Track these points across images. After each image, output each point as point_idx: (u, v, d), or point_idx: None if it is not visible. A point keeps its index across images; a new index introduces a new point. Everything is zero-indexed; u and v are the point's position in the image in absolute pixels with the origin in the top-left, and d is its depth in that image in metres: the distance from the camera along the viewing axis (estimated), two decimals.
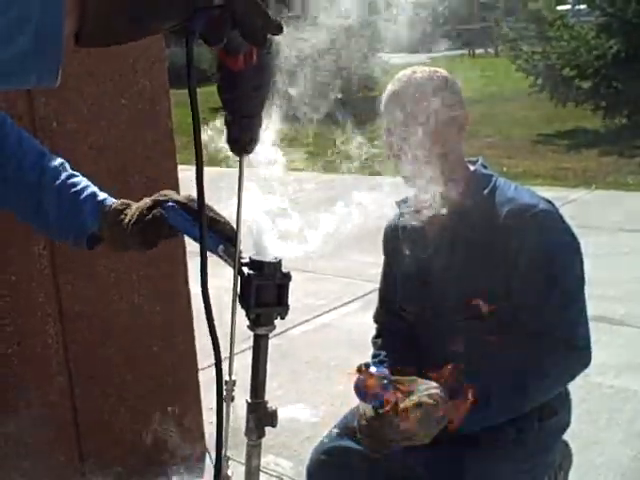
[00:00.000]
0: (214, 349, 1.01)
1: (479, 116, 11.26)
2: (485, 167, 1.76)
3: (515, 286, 1.58)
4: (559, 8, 13.79)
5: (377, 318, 2.00)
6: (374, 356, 1.88)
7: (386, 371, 1.51)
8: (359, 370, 1.50)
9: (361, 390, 1.50)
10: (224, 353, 1.07)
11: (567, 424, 1.81)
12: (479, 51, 22.76)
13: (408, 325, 1.87)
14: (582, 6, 12.52)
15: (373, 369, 1.50)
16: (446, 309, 1.71)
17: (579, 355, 1.62)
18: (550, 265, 1.59)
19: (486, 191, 1.68)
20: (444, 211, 1.61)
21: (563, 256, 1.63)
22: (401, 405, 1.47)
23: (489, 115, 11.64)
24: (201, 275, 0.95)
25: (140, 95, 2.39)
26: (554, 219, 1.64)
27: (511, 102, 12.54)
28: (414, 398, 1.48)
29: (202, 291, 0.96)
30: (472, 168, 1.75)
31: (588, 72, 10.60)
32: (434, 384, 1.52)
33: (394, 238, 1.87)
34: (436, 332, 1.75)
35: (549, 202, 1.68)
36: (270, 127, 1.06)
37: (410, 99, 1.61)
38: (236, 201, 1.08)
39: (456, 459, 1.60)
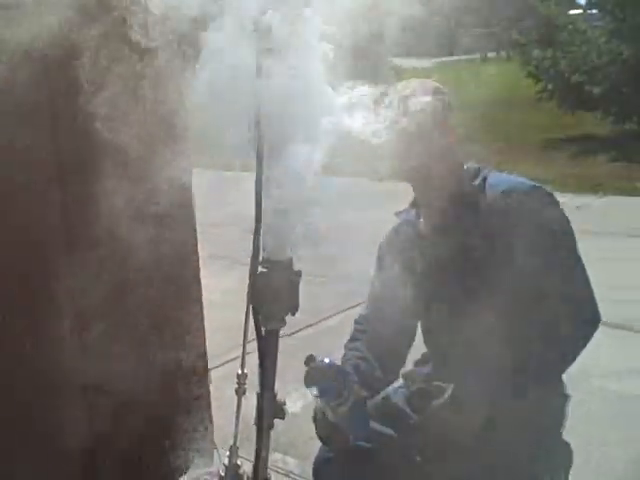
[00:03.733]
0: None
1: (487, 121, 11.30)
2: (478, 164, 1.84)
3: (521, 263, 1.61)
4: (571, 12, 13.78)
5: (361, 323, 2.03)
6: (346, 358, 1.92)
7: (333, 362, 1.57)
8: (306, 363, 1.56)
9: (309, 382, 1.56)
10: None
11: (564, 422, 1.85)
12: (491, 55, 22.77)
13: (399, 332, 1.91)
14: (594, 10, 12.53)
15: (325, 360, 1.55)
16: (456, 305, 1.74)
17: (594, 322, 1.69)
18: (553, 237, 1.64)
19: (477, 181, 1.77)
20: (442, 209, 1.74)
21: (562, 227, 1.69)
22: (438, 402, 1.55)
23: (499, 120, 11.66)
24: None
25: (157, 102, 2.45)
26: (545, 194, 1.72)
27: (521, 107, 12.55)
28: (446, 394, 1.58)
29: None
30: (465, 166, 1.83)
31: (598, 77, 10.62)
32: (470, 385, 1.58)
33: (392, 245, 1.93)
34: (450, 330, 1.77)
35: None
36: None
37: (406, 113, 1.69)
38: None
39: (457, 455, 1.66)
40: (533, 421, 1.69)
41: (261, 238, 1.25)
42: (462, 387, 1.59)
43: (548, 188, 1.76)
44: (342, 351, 1.95)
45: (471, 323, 1.67)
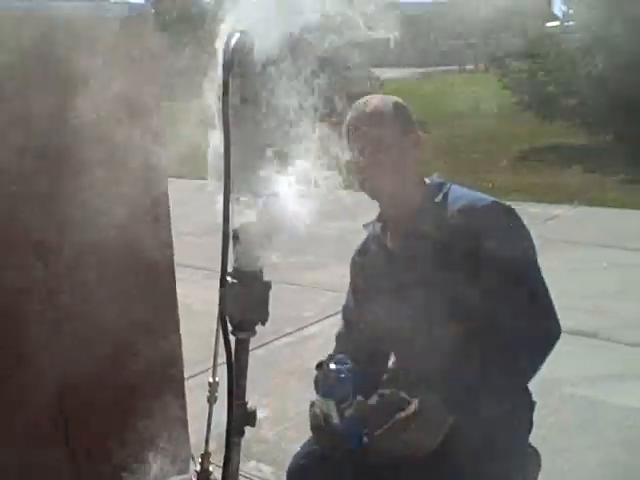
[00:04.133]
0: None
1: (465, 132, 11.42)
2: (441, 179, 1.87)
3: (481, 276, 1.65)
4: (549, 25, 13.97)
5: (339, 339, 2.06)
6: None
7: (343, 369, 1.60)
8: (317, 366, 1.60)
9: (321, 385, 1.60)
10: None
11: (530, 427, 1.90)
12: (469, 67, 23.00)
13: (372, 346, 1.93)
14: (571, 22, 12.72)
15: (333, 365, 1.60)
16: (419, 320, 1.75)
17: (555, 334, 1.70)
18: (508, 249, 1.67)
19: (438, 198, 1.79)
20: (405, 223, 1.76)
21: (518, 240, 1.72)
22: (402, 415, 1.58)
23: (475, 131, 11.80)
24: None
25: (132, 110, 2.48)
26: (503, 207, 1.75)
27: (498, 118, 12.71)
28: (412, 407, 1.59)
29: None
30: (427, 181, 1.86)
31: (573, 89, 10.80)
32: (432, 395, 1.60)
33: (361, 259, 1.97)
34: (410, 335, 1.79)
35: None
36: None
37: (363, 129, 1.74)
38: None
39: (425, 462, 1.70)
40: (498, 429, 1.73)
41: (230, 249, 1.28)
42: (426, 400, 1.61)
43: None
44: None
45: (434, 337, 1.71)
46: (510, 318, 1.63)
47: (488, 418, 1.66)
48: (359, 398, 1.64)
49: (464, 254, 1.67)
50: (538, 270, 1.73)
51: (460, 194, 1.79)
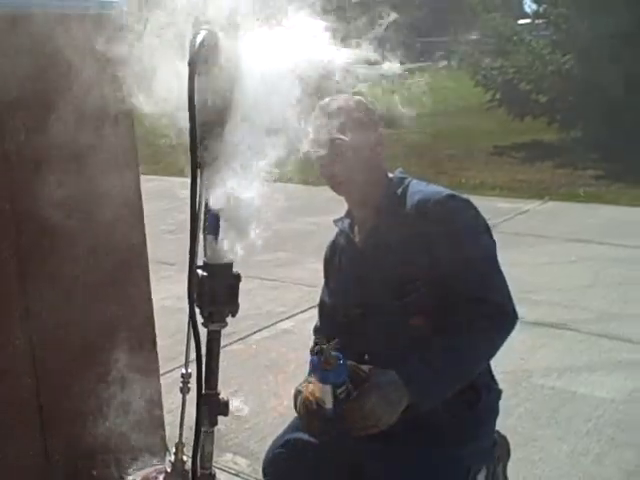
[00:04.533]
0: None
1: (439, 129, 11.50)
2: (403, 174, 1.93)
3: (439, 266, 1.71)
4: (520, 22, 14.11)
5: (317, 332, 2.14)
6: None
7: (341, 355, 1.65)
8: (317, 352, 1.64)
9: (320, 369, 1.64)
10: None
11: (496, 412, 1.95)
12: (442, 64, 23.16)
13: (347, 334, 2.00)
14: (540, 21, 12.87)
15: (334, 352, 1.64)
16: (382, 303, 1.83)
17: (511, 319, 1.76)
18: (462, 239, 1.73)
19: (399, 191, 1.86)
20: (368, 218, 1.82)
21: (471, 229, 1.78)
22: (361, 389, 1.63)
23: (449, 128, 11.90)
24: None
25: (104, 106, 2.49)
26: (458, 199, 1.80)
27: (470, 115, 12.83)
28: (369, 383, 1.65)
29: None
30: (390, 176, 1.92)
31: (544, 86, 10.93)
32: (389, 370, 1.67)
33: (332, 254, 2.04)
34: (376, 325, 1.86)
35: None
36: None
37: (328, 127, 1.77)
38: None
39: (394, 447, 1.75)
40: (460, 410, 1.80)
41: (199, 243, 1.31)
42: (383, 375, 1.67)
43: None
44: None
45: (394, 323, 1.79)
46: (465, 302, 1.69)
47: (451, 400, 1.73)
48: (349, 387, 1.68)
49: (421, 245, 1.74)
50: (493, 257, 1.79)
51: (418, 189, 1.85)
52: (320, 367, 1.65)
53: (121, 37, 2.36)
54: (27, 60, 2.26)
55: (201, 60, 1.04)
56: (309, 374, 1.85)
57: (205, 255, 1.35)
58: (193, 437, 1.36)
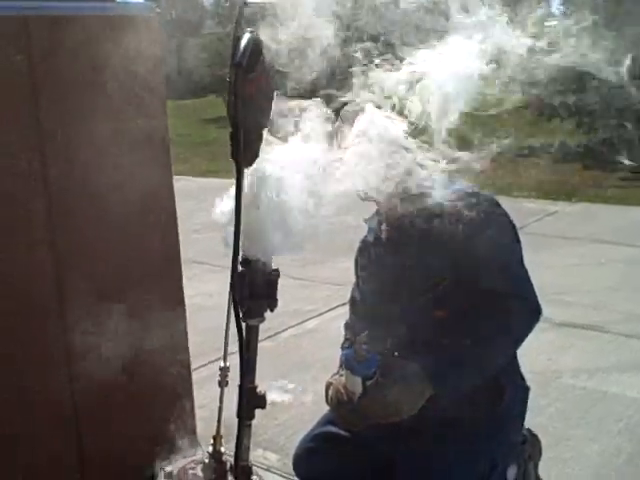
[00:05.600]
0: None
1: (464, 130, 11.43)
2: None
3: (464, 261, 1.74)
4: (547, 24, 13.96)
5: (347, 327, 2.16)
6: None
7: (370, 348, 1.68)
8: (348, 346, 1.67)
9: (351, 361, 1.67)
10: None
11: (523, 409, 1.96)
12: None
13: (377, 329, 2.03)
14: (569, 20, 12.70)
15: (364, 345, 1.67)
16: (409, 298, 1.86)
17: (535, 313, 1.79)
18: (486, 234, 1.75)
19: (425, 190, 1.84)
20: (395, 215, 1.86)
21: (496, 225, 1.80)
22: (381, 380, 1.66)
23: (475, 129, 11.81)
24: None
25: (139, 107, 2.54)
26: (482, 196, 1.82)
27: (497, 116, 12.74)
28: (392, 374, 1.68)
29: None
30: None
31: (572, 87, 10.82)
32: (413, 362, 1.69)
33: (363, 252, 2.07)
34: (404, 321, 1.87)
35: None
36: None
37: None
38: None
39: (421, 440, 1.78)
40: (487, 408, 1.83)
41: (241, 239, 1.34)
42: (407, 367, 1.71)
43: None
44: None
45: (420, 317, 1.82)
46: (490, 296, 1.72)
47: (476, 395, 1.76)
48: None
49: (446, 241, 1.76)
50: (518, 252, 1.82)
51: (445, 185, 1.86)
52: (351, 360, 1.68)
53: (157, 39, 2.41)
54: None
55: (246, 62, 1.06)
56: (340, 367, 1.88)
57: (244, 250, 1.38)
58: (222, 429, 1.40)
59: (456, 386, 1.73)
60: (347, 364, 1.70)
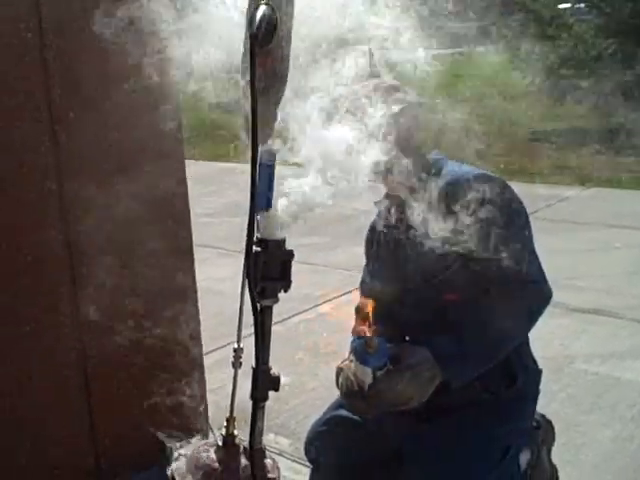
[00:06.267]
0: None
1: (476, 114, 11.37)
2: (439, 155, 1.93)
3: (472, 244, 1.69)
4: (560, 6, 13.82)
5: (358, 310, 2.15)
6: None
7: (382, 338, 1.67)
8: (359, 336, 1.66)
9: (362, 353, 1.66)
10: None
11: (535, 393, 1.95)
12: (479, 48, 22.82)
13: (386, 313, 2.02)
14: (581, 5, 12.60)
15: (374, 337, 1.66)
16: (418, 282, 1.85)
17: (545, 296, 1.79)
18: (495, 217, 1.71)
19: (434, 171, 1.86)
20: (404, 198, 1.80)
21: (504, 207, 1.75)
22: (392, 369, 1.64)
23: (486, 113, 11.74)
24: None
25: (151, 91, 2.51)
26: (491, 178, 1.79)
27: (509, 100, 12.64)
28: (402, 362, 1.67)
29: None
30: (427, 157, 1.91)
31: (585, 71, 10.72)
32: (422, 348, 1.68)
33: (372, 235, 2.06)
34: (414, 305, 1.88)
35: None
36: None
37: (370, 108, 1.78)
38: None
39: (432, 425, 1.79)
40: (498, 392, 1.82)
41: (256, 219, 1.32)
42: (417, 354, 1.70)
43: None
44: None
45: (429, 301, 1.81)
46: (500, 280, 1.70)
47: (487, 379, 1.75)
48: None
49: (454, 224, 1.71)
50: (527, 235, 1.79)
51: (452, 168, 1.86)
52: (361, 351, 1.67)
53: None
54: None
55: (261, 34, 1.04)
56: (351, 353, 1.87)
57: (259, 231, 1.37)
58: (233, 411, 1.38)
59: (466, 371, 1.71)
60: (358, 356, 1.69)
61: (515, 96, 12.71)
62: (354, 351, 1.73)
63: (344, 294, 4.60)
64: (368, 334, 1.64)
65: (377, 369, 1.68)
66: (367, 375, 1.68)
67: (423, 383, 1.67)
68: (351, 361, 1.81)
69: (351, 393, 1.77)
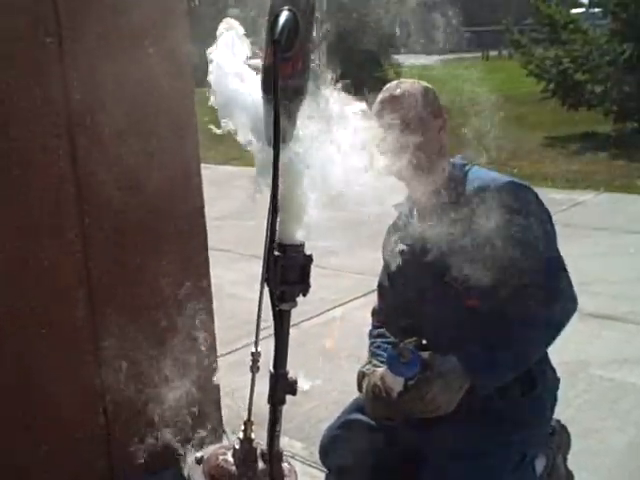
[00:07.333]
0: None
1: (490, 119, 11.34)
2: (464, 160, 1.93)
3: (498, 251, 1.67)
4: (573, 11, 13.80)
5: (378, 314, 2.15)
6: (376, 345, 2.04)
7: (415, 349, 1.68)
8: (394, 345, 1.66)
9: (396, 364, 1.67)
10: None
11: (553, 400, 1.94)
12: (493, 53, 22.82)
13: (403, 319, 2.02)
14: (596, 9, 12.57)
15: (410, 347, 1.66)
16: (439, 286, 1.83)
17: (572, 305, 1.76)
18: (522, 224, 1.70)
19: (460, 176, 1.86)
20: (428, 202, 1.83)
21: (532, 214, 1.74)
22: (424, 376, 1.65)
23: (501, 118, 11.70)
24: None
25: (166, 96, 2.53)
26: (519, 185, 1.78)
27: (523, 105, 12.61)
28: (431, 371, 1.67)
29: None
30: (451, 161, 1.91)
31: (600, 76, 10.68)
32: (451, 357, 1.68)
33: (391, 237, 2.04)
34: (434, 309, 1.88)
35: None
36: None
37: (395, 108, 1.78)
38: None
39: (449, 430, 1.76)
40: (516, 399, 1.82)
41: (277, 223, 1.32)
42: (445, 364, 1.69)
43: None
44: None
45: (454, 309, 1.80)
46: (526, 288, 1.68)
47: (506, 386, 1.75)
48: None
49: (480, 230, 1.71)
50: (554, 243, 1.78)
51: (478, 174, 1.85)
52: (395, 362, 1.68)
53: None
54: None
55: (284, 39, 1.04)
56: (370, 356, 1.87)
57: (278, 235, 1.37)
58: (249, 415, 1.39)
59: (493, 381, 1.71)
60: (392, 367, 1.70)
61: (526, 101, 12.69)
62: (387, 360, 1.74)
63: (358, 297, 4.60)
64: (402, 344, 1.66)
65: (409, 379, 1.69)
66: (398, 384, 1.70)
67: (452, 392, 1.67)
68: (374, 366, 1.81)
69: (377, 399, 1.78)
